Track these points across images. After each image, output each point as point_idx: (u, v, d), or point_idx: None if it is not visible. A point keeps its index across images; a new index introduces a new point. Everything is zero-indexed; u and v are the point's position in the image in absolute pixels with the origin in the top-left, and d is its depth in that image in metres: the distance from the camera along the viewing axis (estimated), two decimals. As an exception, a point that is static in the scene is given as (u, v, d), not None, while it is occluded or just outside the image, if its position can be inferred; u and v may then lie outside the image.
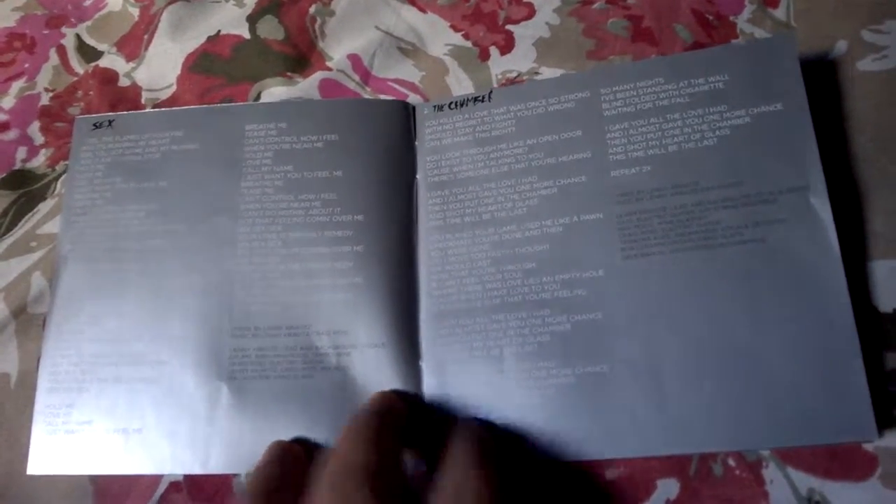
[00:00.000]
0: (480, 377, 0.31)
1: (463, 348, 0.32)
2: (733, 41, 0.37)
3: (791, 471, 0.29)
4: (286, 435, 0.31)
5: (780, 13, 0.37)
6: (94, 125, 0.38)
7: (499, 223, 0.34)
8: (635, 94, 0.34)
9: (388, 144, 0.36)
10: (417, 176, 0.36)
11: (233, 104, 0.40)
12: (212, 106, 0.39)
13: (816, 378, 0.28)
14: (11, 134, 0.43)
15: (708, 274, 0.30)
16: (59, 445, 0.33)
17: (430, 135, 0.36)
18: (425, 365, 0.32)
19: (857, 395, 0.27)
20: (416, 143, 0.37)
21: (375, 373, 0.32)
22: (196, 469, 0.31)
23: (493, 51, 0.40)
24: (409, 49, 0.41)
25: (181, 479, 0.33)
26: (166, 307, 0.34)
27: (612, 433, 0.29)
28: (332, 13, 0.43)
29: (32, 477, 0.33)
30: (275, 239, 0.34)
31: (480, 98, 0.36)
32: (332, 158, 0.35)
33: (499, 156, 0.35)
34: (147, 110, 0.42)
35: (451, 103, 0.37)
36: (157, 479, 0.33)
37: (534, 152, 0.34)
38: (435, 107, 0.37)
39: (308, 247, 0.34)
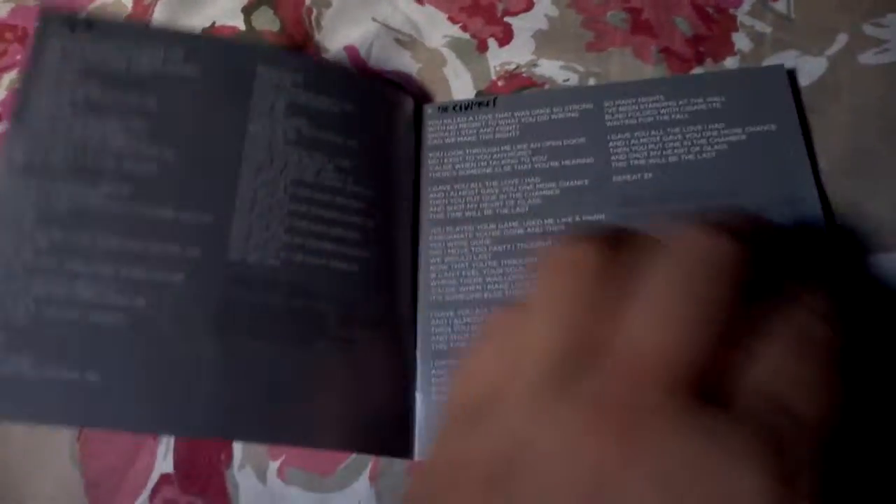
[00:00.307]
0: None
1: (460, 339, 0.32)
2: (727, 67, 0.36)
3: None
4: (277, 396, 0.28)
5: (780, 6, 0.37)
6: (68, 26, 0.31)
7: (500, 219, 0.34)
8: (637, 108, 0.34)
9: (397, 131, 0.36)
10: (420, 171, 0.36)
11: (246, 39, 0.39)
12: (222, 36, 0.37)
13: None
14: (3, 126, 0.42)
15: None
16: None
17: (433, 133, 0.36)
18: (420, 353, 0.32)
19: None
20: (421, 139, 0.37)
21: (371, 352, 0.31)
22: (168, 430, 0.30)
23: (492, 42, 0.40)
24: (406, 41, 0.41)
25: (172, 471, 0.33)
26: (148, 243, 0.29)
27: None
28: (328, 4, 0.43)
29: (22, 474, 0.33)
30: (281, 192, 0.31)
31: (485, 103, 0.36)
32: (348, 126, 0.34)
33: (502, 157, 0.35)
34: (141, 21, 0.40)
35: (455, 106, 0.37)
36: (148, 471, 0.33)
37: (537, 155, 0.35)
38: (439, 108, 0.37)
39: (319, 208, 0.32)
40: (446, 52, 0.40)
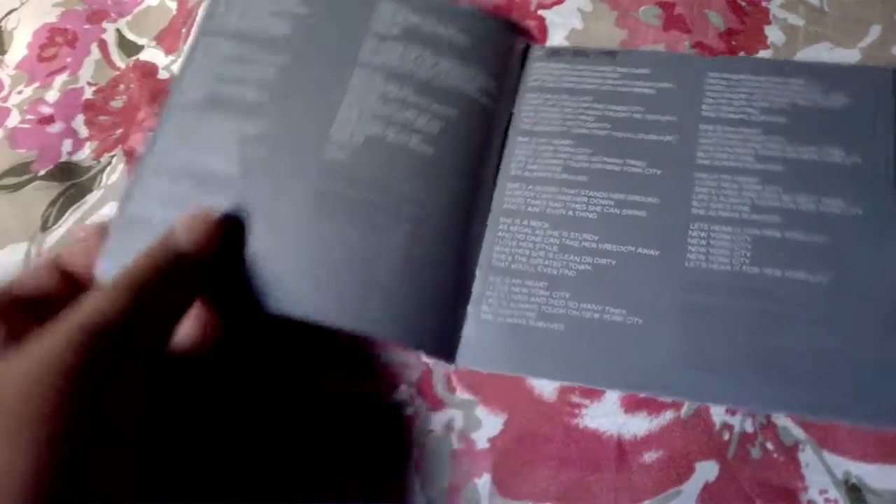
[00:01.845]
0: None
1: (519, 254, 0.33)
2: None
3: (827, 455, 0.30)
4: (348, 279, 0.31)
5: (813, -1, 0.37)
6: None
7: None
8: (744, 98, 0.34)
9: (507, 64, 0.36)
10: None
11: None
12: None
13: (866, 362, 0.28)
14: (56, 127, 0.44)
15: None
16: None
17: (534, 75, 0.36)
18: (479, 268, 0.33)
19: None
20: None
21: (436, 252, 0.32)
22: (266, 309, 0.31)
23: (527, 40, 0.40)
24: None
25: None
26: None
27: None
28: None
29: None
30: (376, 93, 0.33)
31: (607, 53, 0.36)
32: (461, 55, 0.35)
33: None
34: None
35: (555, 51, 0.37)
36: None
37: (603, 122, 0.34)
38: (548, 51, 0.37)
39: (400, 109, 0.33)
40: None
